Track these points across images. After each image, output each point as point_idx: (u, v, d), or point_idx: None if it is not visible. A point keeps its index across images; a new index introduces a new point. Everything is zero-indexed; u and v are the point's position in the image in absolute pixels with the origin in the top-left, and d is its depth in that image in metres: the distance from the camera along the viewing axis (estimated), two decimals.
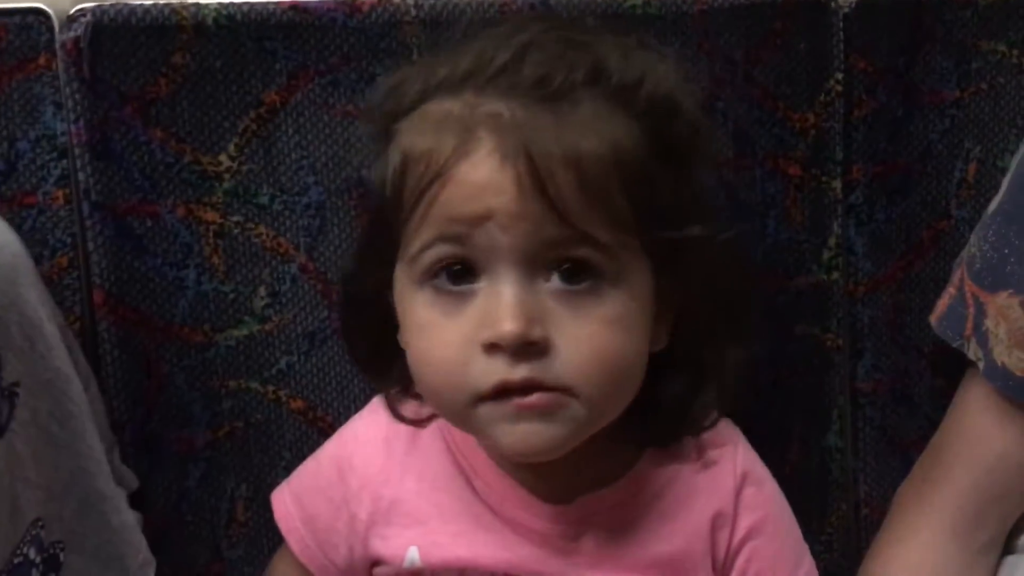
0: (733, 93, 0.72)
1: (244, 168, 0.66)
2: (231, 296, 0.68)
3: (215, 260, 0.67)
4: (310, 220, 0.67)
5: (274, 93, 0.66)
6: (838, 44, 0.72)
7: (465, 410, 0.53)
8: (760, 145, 0.73)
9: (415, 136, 0.53)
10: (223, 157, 0.66)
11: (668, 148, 0.53)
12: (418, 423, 0.59)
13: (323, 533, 0.59)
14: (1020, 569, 0.69)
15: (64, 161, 0.65)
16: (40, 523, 0.59)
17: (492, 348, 0.51)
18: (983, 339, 0.67)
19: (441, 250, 0.52)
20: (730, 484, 0.59)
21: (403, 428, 0.59)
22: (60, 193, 0.65)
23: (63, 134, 0.65)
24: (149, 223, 0.66)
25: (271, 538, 0.67)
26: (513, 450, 0.53)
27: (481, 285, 0.52)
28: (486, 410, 0.52)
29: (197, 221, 0.67)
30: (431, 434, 0.60)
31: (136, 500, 0.67)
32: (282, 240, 0.68)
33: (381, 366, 0.59)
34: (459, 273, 0.52)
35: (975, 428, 0.68)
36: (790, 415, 0.76)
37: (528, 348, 0.51)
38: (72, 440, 0.60)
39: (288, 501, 0.60)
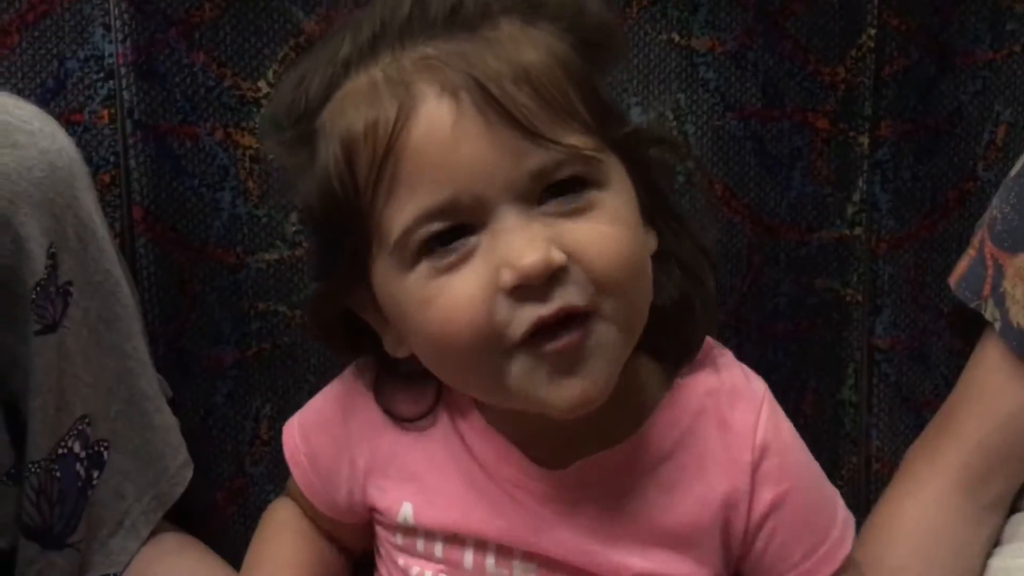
0: (764, 44, 0.73)
1: None
2: (263, 220, 0.70)
3: (250, 184, 0.69)
4: None
5: (314, 23, 0.68)
6: (871, 2, 0.73)
7: (501, 365, 0.49)
8: (789, 97, 0.74)
9: (348, 117, 0.50)
10: (262, 83, 0.68)
11: (589, 47, 0.52)
12: (417, 420, 0.57)
13: (325, 471, 0.59)
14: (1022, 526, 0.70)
15: (111, 81, 0.68)
16: (86, 419, 0.62)
17: (517, 291, 0.48)
18: (1000, 300, 0.68)
19: (427, 228, 0.49)
20: (747, 457, 0.55)
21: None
22: (105, 112, 0.68)
23: (110, 55, 0.67)
24: (188, 144, 0.69)
25: None
26: (564, 406, 0.50)
27: (479, 237, 0.49)
28: (524, 363, 0.49)
29: (234, 145, 0.69)
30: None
31: None
32: None
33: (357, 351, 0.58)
34: (452, 236, 0.49)
35: (987, 387, 0.69)
36: (806, 367, 0.77)
37: (555, 276, 0.48)
38: (119, 341, 0.63)
39: (296, 434, 0.61)
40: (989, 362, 0.69)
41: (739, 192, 0.74)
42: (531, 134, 0.48)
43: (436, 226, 0.49)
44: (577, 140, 0.50)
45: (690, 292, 0.55)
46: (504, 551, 0.55)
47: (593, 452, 0.55)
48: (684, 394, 0.56)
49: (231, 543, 0.69)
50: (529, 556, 0.55)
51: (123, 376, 0.64)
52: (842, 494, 0.78)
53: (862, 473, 0.78)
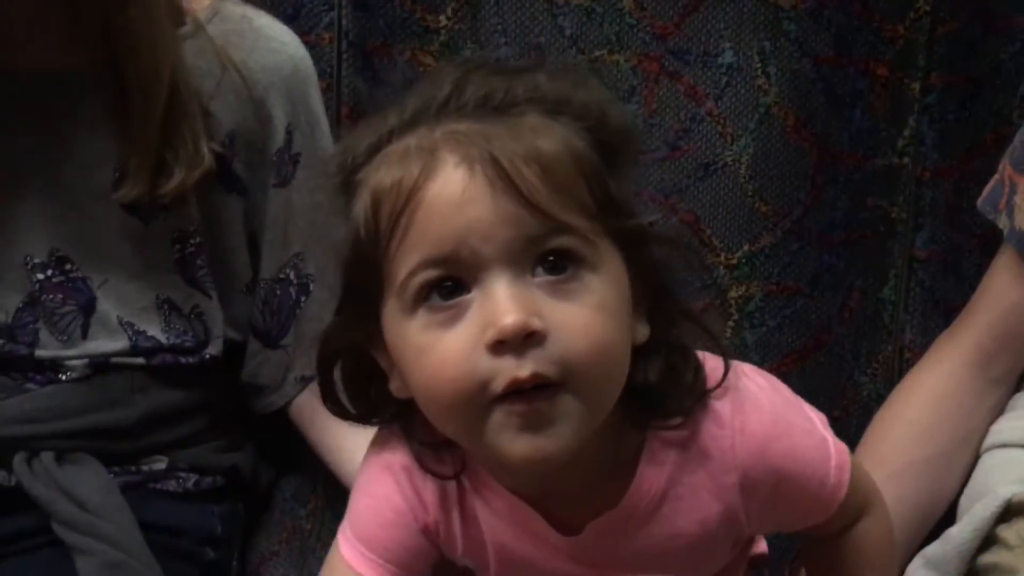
0: (838, 4, 0.90)
1: (456, 27, 0.90)
2: None
3: None
4: None
5: None
6: None
7: (479, 419, 0.54)
8: (856, 48, 0.91)
9: (381, 174, 0.56)
10: (442, 17, 0.90)
11: (606, 148, 0.57)
12: (451, 476, 0.61)
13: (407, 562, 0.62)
14: (1022, 399, 0.85)
15: (332, 12, 0.90)
16: (300, 256, 0.84)
17: (497, 347, 0.53)
18: (1011, 211, 0.84)
19: (428, 274, 0.54)
20: (732, 479, 0.59)
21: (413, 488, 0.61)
22: (327, 35, 0.91)
23: None
24: (385, 61, 0.91)
25: None
26: (522, 459, 0.54)
27: (474, 295, 0.54)
28: (497, 418, 0.54)
29: (419, 63, 0.91)
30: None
31: None
32: None
33: (371, 412, 0.61)
34: (449, 290, 0.54)
35: (997, 282, 0.85)
36: (855, 269, 0.94)
37: (529, 340, 0.53)
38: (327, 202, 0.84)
39: (360, 552, 0.62)
40: (1001, 263, 0.85)
41: (809, 123, 0.92)
42: (531, 205, 0.53)
43: (434, 273, 0.54)
44: (574, 219, 0.54)
45: (678, 369, 0.58)
46: None
47: (599, 514, 0.59)
48: (663, 441, 0.59)
49: None
50: None
51: (327, 229, 0.80)
52: (876, 377, 0.96)
53: (895, 360, 0.95)
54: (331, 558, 0.64)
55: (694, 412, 0.59)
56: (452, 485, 0.61)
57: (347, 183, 0.58)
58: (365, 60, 0.91)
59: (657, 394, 0.58)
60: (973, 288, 0.91)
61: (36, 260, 0.78)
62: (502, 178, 0.53)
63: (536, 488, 0.59)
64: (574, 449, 0.55)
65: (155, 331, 0.80)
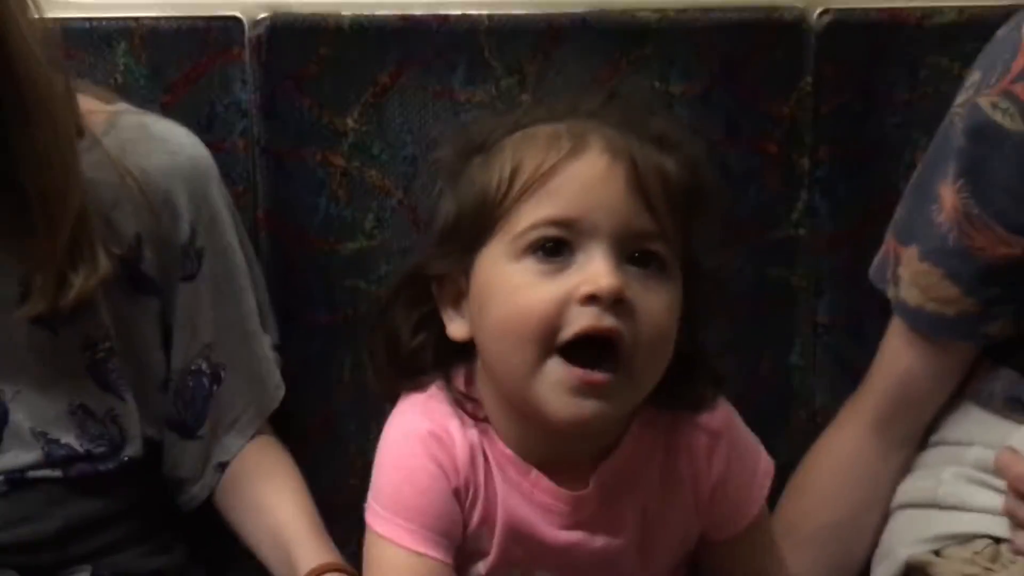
0: (726, 89, 0.95)
1: (363, 128, 0.94)
2: (349, 219, 0.95)
3: (340, 193, 0.95)
4: (407, 168, 0.95)
5: (386, 76, 0.93)
6: (809, 55, 0.94)
7: (539, 360, 0.62)
8: (746, 129, 0.96)
9: (528, 145, 0.65)
10: (349, 120, 0.94)
11: (699, 193, 0.68)
12: (483, 418, 0.68)
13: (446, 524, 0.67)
14: (925, 458, 0.89)
15: (245, 120, 0.94)
16: (210, 346, 0.85)
17: (589, 300, 0.62)
18: (897, 282, 0.88)
19: (547, 231, 0.63)
20: (703, 440, 0.71)
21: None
22: (241, 142, 0.94)
23: (245, 101, 0.94)
24: (297, 164, 0.94)
25: (367, 399, 0.94)
26: (567, 421, 0.63)
27: (577, 258, 0.63)
28: (554, 368, 0.62)
29: (329, 164, 0.94)
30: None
31: None
32: (387, 181, 0.95)
33: (411, 358, 0.70)
34: (553, 250, 0.64)
35: (891, 349, 0.89)
36: (763, 338, 0.98)
37: (618, 305, 0.62)
38: (235, 292, 0.86)
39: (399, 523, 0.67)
40: (892, 331, 0.89)
41: None
42: (650, 206, 0.64)
43: (552, 231, 0.63)
44: (672, 233, 0.65)
45: (701, 388, 0.70)
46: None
47: (598, 463, 0.68)
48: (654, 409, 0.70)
49: (318, 458, 0.94)
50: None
51: (236, 318, 0.86)
52: (789, 441, 0.99)
53: (808, 424, 0.98)
54: (369, 547, 0.68)
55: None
56: (478, 445, 0.68)
57: (484, 146, 0.67)
58: (278, 164, 0.95)
59: (676, 396, 0.69)
60: (876, 350, 0.94)
61: None
62: (635, 177, 0.64)
63: (544, 449, 0.67)
64: (610, 421, 0.65)
65: (69, 439, 0.81)
